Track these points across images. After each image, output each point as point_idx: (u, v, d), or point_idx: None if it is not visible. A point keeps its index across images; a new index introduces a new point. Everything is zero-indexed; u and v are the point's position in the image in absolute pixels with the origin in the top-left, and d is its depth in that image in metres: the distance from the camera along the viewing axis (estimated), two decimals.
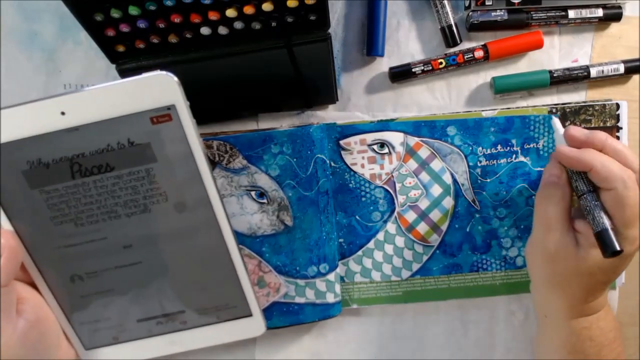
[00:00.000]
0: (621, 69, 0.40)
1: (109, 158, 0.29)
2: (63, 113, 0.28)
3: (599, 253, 0.32)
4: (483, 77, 0.41)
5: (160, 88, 0.28)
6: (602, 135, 0.34)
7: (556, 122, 0.37)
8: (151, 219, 0.31)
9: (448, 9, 0.39)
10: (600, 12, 0.40)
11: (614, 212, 0.32)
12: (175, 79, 0.28)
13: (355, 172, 0.40)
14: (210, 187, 0.30)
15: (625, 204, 0.32)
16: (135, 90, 0.28)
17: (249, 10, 0.33)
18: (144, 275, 0.32)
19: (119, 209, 0.31)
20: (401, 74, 0.40)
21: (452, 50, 0.40)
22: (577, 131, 0.34)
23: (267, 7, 0.32)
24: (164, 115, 0.28)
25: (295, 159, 0.38)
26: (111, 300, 0.33)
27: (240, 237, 0.39)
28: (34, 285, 0.32)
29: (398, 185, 0.40)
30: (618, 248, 0.31)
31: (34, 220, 0.30)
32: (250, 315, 0.34)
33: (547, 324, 0.38)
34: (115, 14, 0.32)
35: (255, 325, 0.34)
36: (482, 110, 0.40)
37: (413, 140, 0.40)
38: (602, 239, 0.31)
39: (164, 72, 0.28)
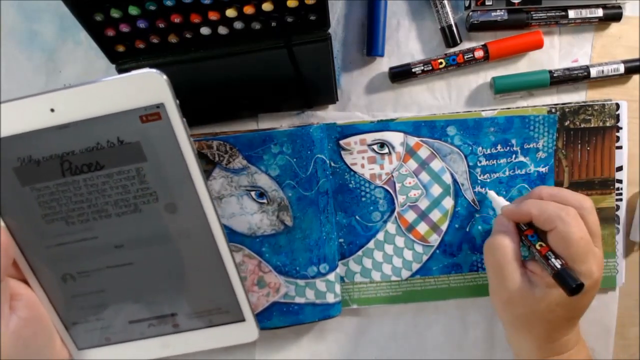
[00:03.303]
0: (621, 69, 0.40)
1: (98, 156, 0.29)
2: (52, 110, 0.28)
3: (555, 291, 0.33)
4: (483, 77, 0.41)
5: (149, 86, 0.28)
6: (536, 190, 0.36)
7: (492, 194, 0.40)
8: (142, 219, 0.31)
9: (448, 9, 0.39)
10: (600, 12, 0.40)
11: (561, 250, 0.33)
12: (165, 77, 0.28)
13: (355, 172, 0.40)
14: (201, 189, 0.30)
15: (569, 240, 0.32)
16: (124, 88, 0.28)
17: (249, 10, 0.33)
18: (136, 276, 0.32)
19: (110, 208, 0.31)
20: (401, 74, 0.40)
21: (452, 50, 0.40)
22: (511, 205, 0.37)
23: (267, 7, 0.32)
24: (153, 114, 0.28)
25: (295, 159, 0.38)
26: (103, 301, 0.33)
27: (240, 237, 0.39)
28: (27, 283, 0.32)
29: (398, 185, 0.40)
30: (579, 281, 0.31)
31: (25, 218, 0.30)
32: (243, 320, 0.34)
33: None
34: (115, 14, 0.32)
35: (248, 330, 0.34)
36: (482, 110, 0.40)
37: (413, 140, 0.40)
38: (560, 278, 0.32)
39: (153, 70, 0.28)
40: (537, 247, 0.34)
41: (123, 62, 0.36)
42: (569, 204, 0.34)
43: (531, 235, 0.35)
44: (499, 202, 0.39)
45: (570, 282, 0.31)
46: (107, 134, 0.29)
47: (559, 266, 0.32)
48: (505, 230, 0.36)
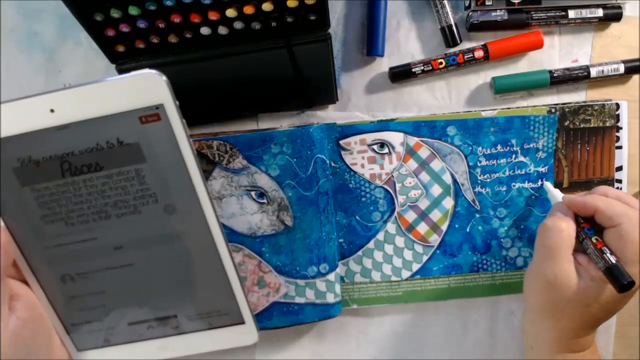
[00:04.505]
0: (621, 69, 0.41)
1: (98, 157, 0.29)
2: (52, 110, 0.28)
3: (597, 286, 0.33)
4: (483, 77, 0.41)
5: (148, 87, 0.28)
6: (601, 188, 0.37)
7: (548, 185, 0.40)
8: (141, 221, 0.31)
9: (448, 9, 0.39)
10: (600, 12, 0.40)
11: (617, 248, 0.33)
12: (164, 77, 0.28)
13: (355, 172, 0.40)
14: (200, 190, 0.30)
15: (629, 239, 0.33)
16: (123, 89, 0.28)
17: (249, 10, 0.33)
18: (135, 277, 0.32)
19: (109, 209, 0.30)
20: (401, 74, 0.40)
21: (452, 50, 0.40)
22: (575, 196, 0.37)
23: (267, 7, 0.33)
24: (153, 115, 0.28)
25: (295, 159, 0.38)
26: (102, 302, 0.33)
27: (240, 237, 0.39)
28: (26, 284, 0.32)
29: (398, 185, 0.40)
30: (630, 279, 0.31)
31: (24, 218, 0.30)
32: (242, 323, 0.34)
33: (533, 356, 0.38)
34: (115, 14, 0.32)
35: (247, 333, 0.34)
36: (482, 110, 0.40)
37: (413, 140, 0.40)
38: (612, 273, 0.32)
39: (152, 71, 0.28)
40: (593, 240, 0.34)
41: (123, 62, 0.36)
42: (633, 207, 0.34)
43: (588, 228, 0.35)
44: (555, 194, 0.39)
45: (621, 279, 0.31)
46: (106, 134, 0.29)
47: (614, 261, 0.32)
48: (564, 216, 0.36)
